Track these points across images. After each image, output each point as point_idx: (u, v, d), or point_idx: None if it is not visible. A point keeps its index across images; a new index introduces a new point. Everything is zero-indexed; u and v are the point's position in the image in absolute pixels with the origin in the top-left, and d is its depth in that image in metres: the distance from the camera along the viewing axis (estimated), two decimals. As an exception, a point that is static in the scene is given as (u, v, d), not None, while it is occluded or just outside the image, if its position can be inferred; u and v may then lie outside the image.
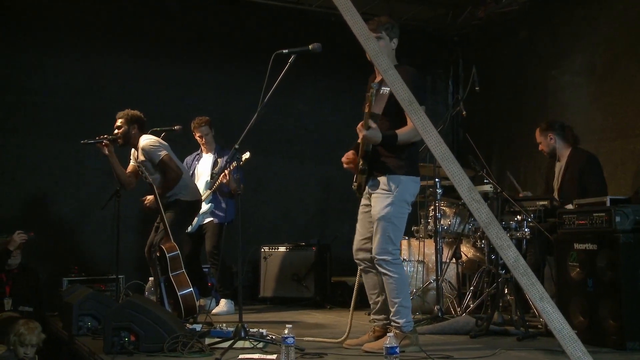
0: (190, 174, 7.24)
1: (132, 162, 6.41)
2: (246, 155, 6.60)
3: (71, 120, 7.91)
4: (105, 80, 8.17)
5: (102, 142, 6.08)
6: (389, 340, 3.61)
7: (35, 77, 7.93)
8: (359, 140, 4.53)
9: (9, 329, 4.93)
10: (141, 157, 6.18)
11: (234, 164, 6.37)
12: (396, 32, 4.64)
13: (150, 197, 6.21)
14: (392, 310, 4.43)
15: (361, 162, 4.54)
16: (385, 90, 4.50)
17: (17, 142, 7.84)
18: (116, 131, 6.21)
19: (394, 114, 4.43)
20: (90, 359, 4.58)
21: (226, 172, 6.75)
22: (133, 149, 6.35)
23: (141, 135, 6.22)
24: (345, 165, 4.70)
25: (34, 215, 7.87)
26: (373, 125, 4.29)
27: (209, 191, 7.06)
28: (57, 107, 7.99)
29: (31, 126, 7.89)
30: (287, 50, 4.65)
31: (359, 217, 4.73)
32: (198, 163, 7.32)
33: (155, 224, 6.38)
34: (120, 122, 6.22)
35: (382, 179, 4.48)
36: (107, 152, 6.10)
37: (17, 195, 7.84)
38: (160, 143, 6.20)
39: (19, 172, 7.84)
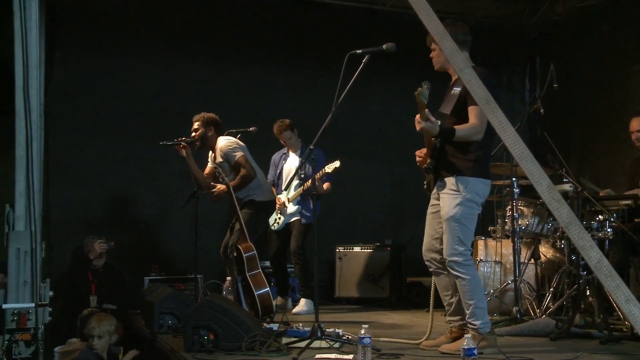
0: (278, 172, 7.34)
1: (209, 164, 6.55)
2: (336, 164, 6.62)
3: (149, 123, 8.11)
4: (182, 84, 8.34)
5: (180, 144, 6.25)
6: (467, 341, 3.57)
7: (114, 82, 8.16)
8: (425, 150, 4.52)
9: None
10: (219, 159, 6.32)
11: (322, 171, 6.45)
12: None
13: (220, 186, 6.29)
14: (468, 312, 4.37)
15: (428, 161, 4.52)
16: (456, 90, 4.46)
17: (98, 146, 8.08)
18: (193, 134, 6.36)
19: (462, 115, 4.39)
20: (172, 357, 4.68)
21: (307, 184, 6.80)
22: (210, 151, 6.48)
23: (218, 136, 6.36)
24: (417, 159, 4.67)
25: (117, 216, 8.12)
26: (432, 118, 4.24)
27: (295, 193, 7.09)
28: (136, 110, 8.20)
29: (112, 130, 8.12)
30: (361, 51, 4.65)
31: (428, 217, 4.68)
32: (285, 162, 7.38)
33: (231, 225, 6.49)
34: (197, 125, 6.38)
35: (450, 180, 4.42)
36: (184, 154, 6.25)
37: (100, 198, 8.09)
38: (237, 144, 6.31)
39: (101, 174, 8.09)
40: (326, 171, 6.66)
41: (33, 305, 3.59)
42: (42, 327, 3.62)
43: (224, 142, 6.30)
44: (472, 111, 4.32)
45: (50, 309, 3.69)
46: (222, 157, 6.29)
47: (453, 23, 4.50)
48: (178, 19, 8.39)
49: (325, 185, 7.05)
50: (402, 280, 8.04)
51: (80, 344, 5.12)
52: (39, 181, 3.90)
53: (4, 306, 3.55)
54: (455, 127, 4.33)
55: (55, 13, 7.46)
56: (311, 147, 4.81)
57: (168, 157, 8.06)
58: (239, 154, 6.23)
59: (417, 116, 4.26)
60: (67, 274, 7.37)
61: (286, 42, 8.83)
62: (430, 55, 4.64)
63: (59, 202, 7.79)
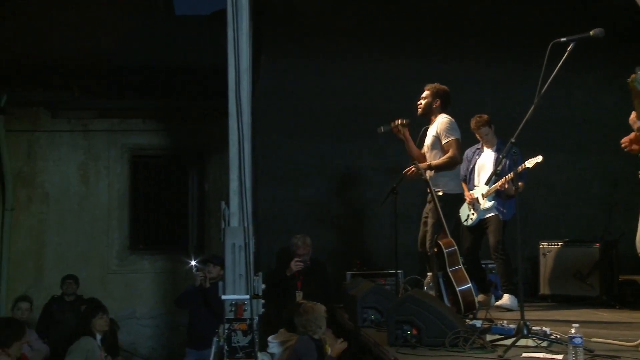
0: (471, 167, 7.24)
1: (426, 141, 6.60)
2: (537, 159, 6.41)
3: (350, 121, 8.31)
4: (381, 82, 8.42)
5: (397, 127, 6.38)
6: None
7: (315, 83, 8.44)
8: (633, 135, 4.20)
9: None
10: (433, 133, 6.37)
11: (522, 166, 6.28)
12: None
13: (413, 169, 6.29)
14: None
15: None
16: None
17: (301, 144, 8.41)
18: (420, 101, 6.45)
19: None
20: (376, 350, 4.78)
21: (507, 178, 6.62)
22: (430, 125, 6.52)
23: (442, 111, 6.42)
24: (622, 145, 4.37)
25: (320, 212, 8.41)
26: None
27: (491, 188, 6.93)
28: (336, 109, 8.41)
29: (313, 128, 8.42)
30: (565, 39, 4.45)
31: None
32: (479, 157, 7.25)
33: (423, 219, 6.48)
34: (426, 94, 6.50)
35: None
36: (402, 137, 6.42)
37: (303, 194, 8.41)
38: (456, 128, 6.32)
39: (304, 172, 8.41)
40: (527, 166, 6.44)
41: (248, 297, 3.81)
42: (257, 317, 3.84)
43: (445, 119, 6.36)
44: None
45: (263, 301, 3.90)
46: (436, 132, 6.32)
47: None
48: (376, 17, 8.47)
49: (520, 184, 6.75)
50: (614, 278, 7.57)
51: (291, 334, 5.37)
52: (250, 180, 4.12)
53: (223, 297, 3.81)
54: None
55: (261, 19, 7.85)
56: (513, 140, 4.69)
57: (366, 154, 8.23)
58: (453, 137, 6.24)
59: (632, 115, 4.00)
60: (275, 270, 7.72)
61: (480, 33, 8.61)
62: None
63: (266, 199, 8.21)
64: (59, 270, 9.15)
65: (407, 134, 6.47)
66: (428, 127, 6.54)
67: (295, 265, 7.35)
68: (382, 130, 6.48)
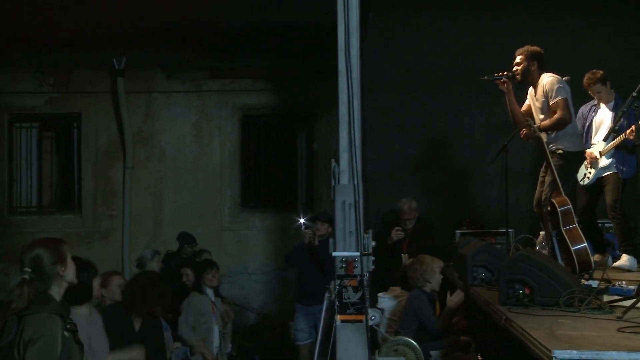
0: (587, 124, 6.95)
1: (527, 101, 6.37)
2: None
3: (455, 78, 8.14)
4: (491, 38, 8.14)
5: (501, 78, 6.19)
6: None
7: (423, 40, 8.32)
8: None
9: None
10: (539, 96, 6.16)
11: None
12: None
13: (525, 131, 6.14)
14: None
15: None
16: None
17: (410, 102, 8.35)
18: (515, 68, 6.25)
19: None
20: (486, 309, 4.75)
21: (626, 134, 6.32)
22: (531, 88, 6.31)
23: (541, 72, 6.18)
24: None
25: (428, 171, 8.35)
26: None
27: (609, 145, 6.65)
28: (445, 66, 8.25)
29: (422, 86, 8.30)
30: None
31: None
32: (595, 115, 6.94)
33: (541, 178, 6.30)
34: (520, 59, 6.25)
35: None
36: (505, 88, 6.19)
37: (411, 153, 8.38)
38: (564, 86, 6.06)
39: (412, 130, 8.36)
40: None
41: (358, 254, 3.86)
42: (367, 274, 3.89)
43: (550, 78, 6.08)
44: None
45: (373, 258, 3.94)
46: (543, 94, 6.10)
47: None
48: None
49: None
50: None
51: (403, 291, 5.43)
52: (359, 138, 4.13)
53: (334, 254, 3.87)
54: None
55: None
56: (634, 94, 4.48)
57: (476, 111, 8.07)
58: (561, 97, 5.98)
59: None
60: (380, 232, 7.71)
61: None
62: None
63: (373, 158, 8.21)
64: (175, 227, 9.55)
65: (510, 86, 6.21)
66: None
67: (396, 234, 7.37)
68: (487, 78, 6.30)
